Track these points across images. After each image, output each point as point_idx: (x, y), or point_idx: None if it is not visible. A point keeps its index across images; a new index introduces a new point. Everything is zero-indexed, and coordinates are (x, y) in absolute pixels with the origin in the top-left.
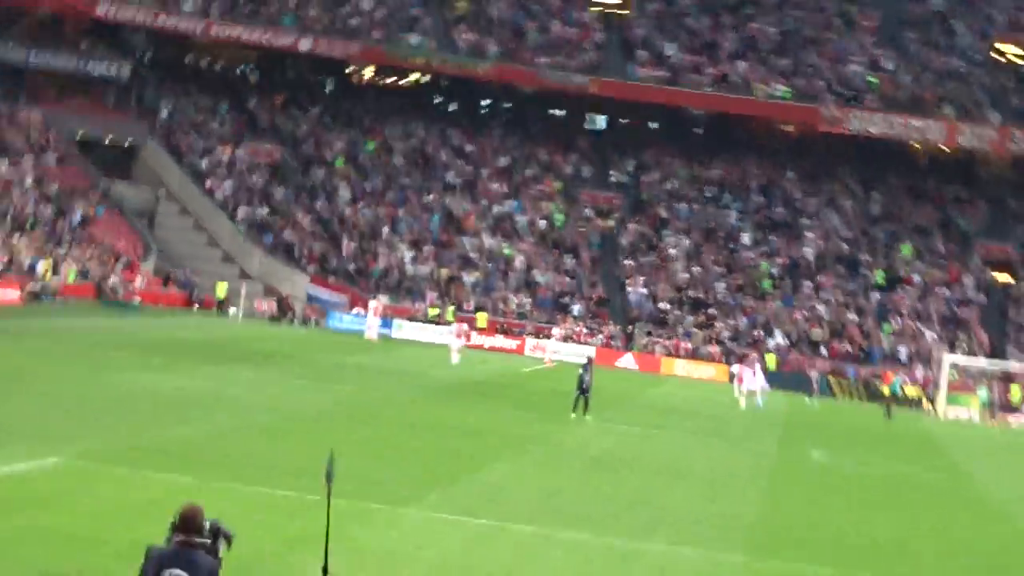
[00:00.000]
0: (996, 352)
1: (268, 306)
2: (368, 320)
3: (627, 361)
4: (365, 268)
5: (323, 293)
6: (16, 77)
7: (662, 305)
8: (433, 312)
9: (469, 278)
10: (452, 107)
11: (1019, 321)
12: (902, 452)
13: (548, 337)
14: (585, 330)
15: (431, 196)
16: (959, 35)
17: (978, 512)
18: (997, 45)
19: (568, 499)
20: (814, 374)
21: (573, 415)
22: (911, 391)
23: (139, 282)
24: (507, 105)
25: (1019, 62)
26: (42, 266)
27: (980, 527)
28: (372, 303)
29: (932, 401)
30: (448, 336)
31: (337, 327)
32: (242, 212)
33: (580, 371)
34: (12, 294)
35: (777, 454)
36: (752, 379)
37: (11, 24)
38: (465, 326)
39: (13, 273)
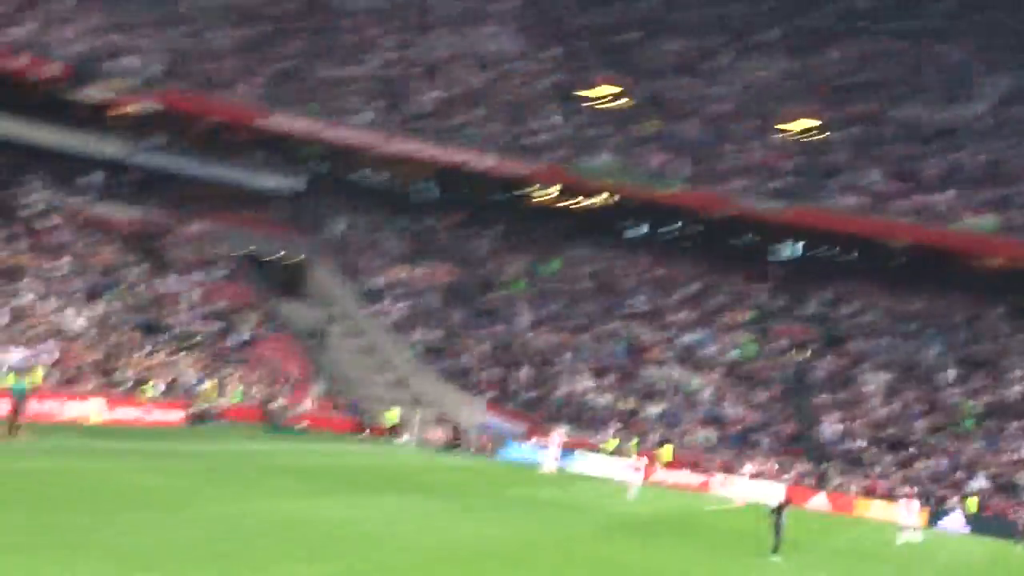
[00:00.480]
0: None
1: (441, 434)
2: (546, 451)
3: (819, 501)
4: (544, 396)
5: (499, 421)
6: (183, 188)
7: (857, 443)
8: (613, 444)
9: (653, 410)
10: (638, 231)
11: None
12: None
13: (736, 474)
14: (775, 467)
15: (615, 323)
16: None
17: None
18: None
19: None
20: None
21: (774, 558)
22: None
23: (306, 405)
24: (695, 230)
25: None
26: (206, 386)
27: None
28: (552, 434)
29: None
30: (627, 470)
31: (512, 458)
32: (416, 335)
33: (774, 511)
34: (175, 415)
35: None
36: (907, 517)
37: (179, 134)
38: (644, 459)
39: (176, 393)
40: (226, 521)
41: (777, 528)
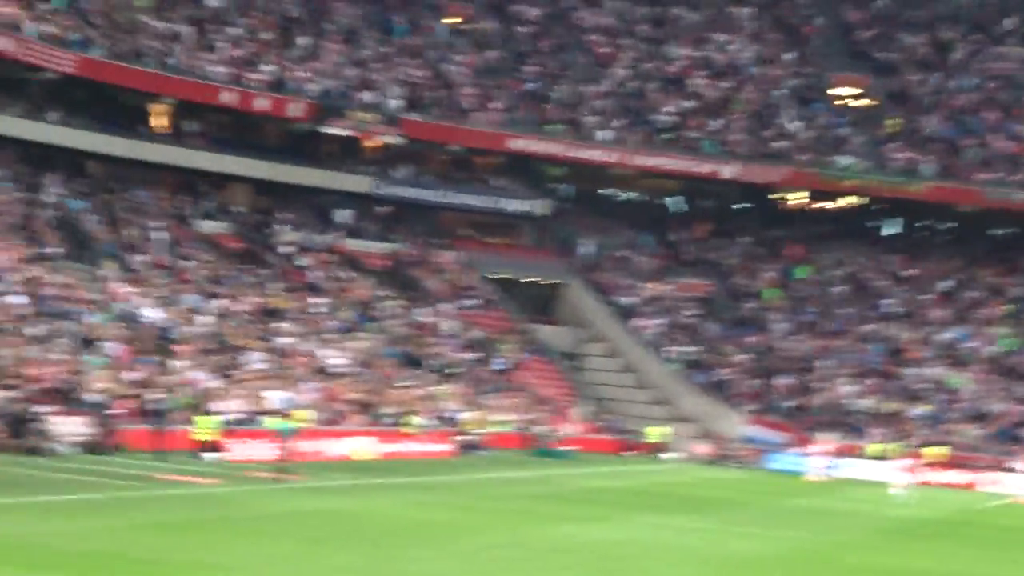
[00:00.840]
0: None
1: (705, 448)
2: (811, 459)
3: None
4: (805, 404)
5: (760, 432)
6: (433, 218)
7: None
8: (876, 448)
9: (914, 410)
10: (887, 230)
11: None
12: None
13: (1008, 470)
14: None
15: (870, 325)
16: None
17: None
18: None
19: None
20: None
21: None
22: None
23: (569, 429)
24: (945, 226)
25: None
26: (470, 415)
27: None
28: (816, 442)
29: None
30: (895, 472)
31: (776, 468)
32: (673, 350)
33: None
34: (442, 446)
35: None
36: None
37: (425, 164)
38: (911, 461)
39: (442, 424)
40: (506, 549)
41: None
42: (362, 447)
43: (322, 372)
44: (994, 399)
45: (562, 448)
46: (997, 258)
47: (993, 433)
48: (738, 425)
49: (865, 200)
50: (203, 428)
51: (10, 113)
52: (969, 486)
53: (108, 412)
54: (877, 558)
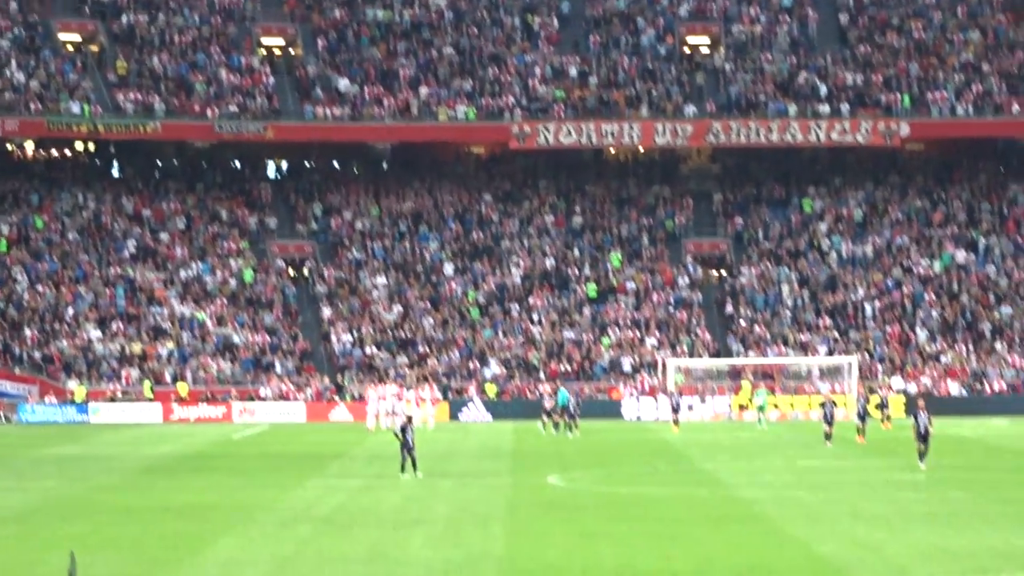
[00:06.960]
0: (720, 350)
1: None
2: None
3: (340, 413)
4: (51, 353)
5: (9, 386)
6: None
7: (369, 350)
8: (79, 392)
9: (163, 349)
10: (124, 173)
11: (738, 315)
12: (643, 465)
13: (256, 399)
14: (293, 387)
15: (112, 269)
16: (644, 32)
17: (731, 513)
18: (685, 38)
19: (303, 565)
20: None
21: (404, 475)
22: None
23: None
24: (181, 163)
25: (708, 52)
26: None
27: (737, 532)
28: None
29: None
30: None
31: (29, 420)
32: None
33: (400, 430)
34: None
35: (513, 485)
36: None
37: None
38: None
39: None
40: None
41: (405, 446)
42: None
43: None
44: (237, 331)
45: None
46: (233, 191)
47: (241, 364)
48: None
49: (98, 145)
50: None
51: None
52: (224, 419)
53: None
54: (130, 498)
